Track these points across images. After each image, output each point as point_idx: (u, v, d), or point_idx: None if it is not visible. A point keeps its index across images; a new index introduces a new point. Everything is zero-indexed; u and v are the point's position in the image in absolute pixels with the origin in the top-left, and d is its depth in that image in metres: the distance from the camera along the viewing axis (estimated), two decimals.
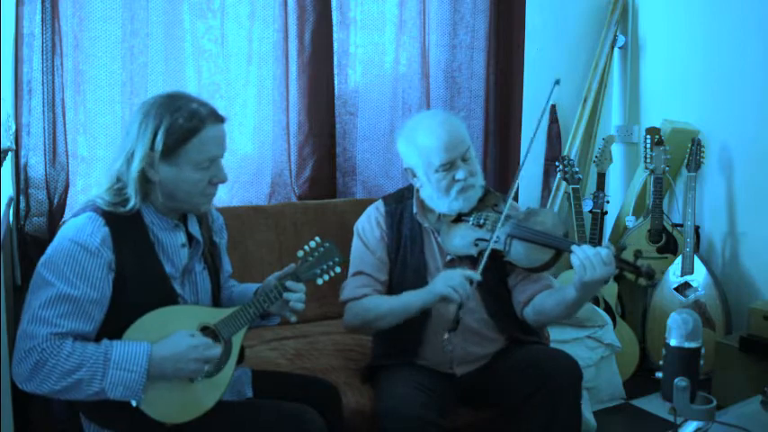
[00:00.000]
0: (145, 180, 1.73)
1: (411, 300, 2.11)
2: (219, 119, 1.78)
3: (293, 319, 1.90)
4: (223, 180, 1.81)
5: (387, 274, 2.26)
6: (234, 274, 2.14)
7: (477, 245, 2.15)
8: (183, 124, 1.70)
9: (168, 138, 1.69)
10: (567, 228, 2.20)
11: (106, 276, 1.67)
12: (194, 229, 1.88)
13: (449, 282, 2.02)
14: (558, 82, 2.25)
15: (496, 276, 2.22)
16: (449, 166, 2.14)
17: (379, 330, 2.26)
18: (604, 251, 1.94)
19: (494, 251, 2.12)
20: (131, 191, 1.71)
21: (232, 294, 2.05)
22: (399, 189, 2.42)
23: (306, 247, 1.93)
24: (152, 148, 1.69)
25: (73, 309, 1.63)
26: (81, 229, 1.67)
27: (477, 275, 2.02)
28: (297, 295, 1.86)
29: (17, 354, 1.62)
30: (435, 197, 2.19)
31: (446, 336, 2.03)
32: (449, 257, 2.23)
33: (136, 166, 1.70)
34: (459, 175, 2.14)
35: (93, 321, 1.66)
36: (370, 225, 2.29)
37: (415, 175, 2.23)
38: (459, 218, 2.21)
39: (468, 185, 2.16)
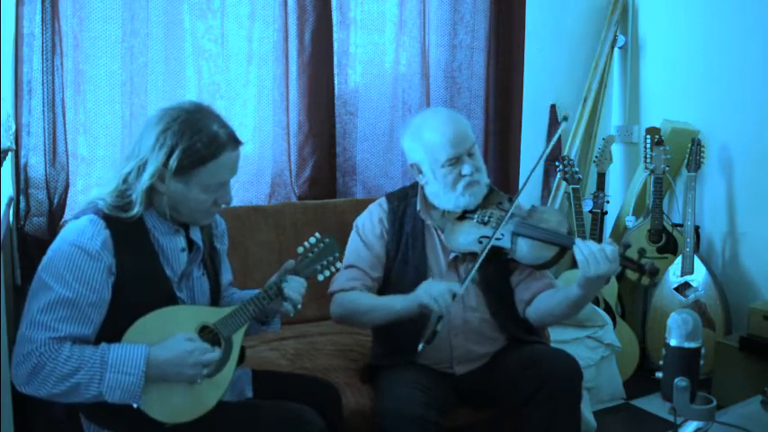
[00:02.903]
0: (152, 190, 1.72)
1: (392, 302, 2.12)
2: (237, 143, 1.77)
3: (289, 309, 1.85)
4: (228, 202, 1.81)
5: (381, 271, 2.26)
6: (234, 274, 2.14)
7: (481, 242, 2.15)
8: (200, 149, 1.69)
9: (183, 159, 1.68)
10: (570, 225, 2.19)
11: (106, 280, 1.67)
12: (195, 234, 1.88)
13: (430, 291, 2.01)
14: (566, 118, 2.26)
15: (499, 275, 2.22)
16: (455, 161, 2.15)
17: (363, 326, 2.28)
18: (609, 247, 1.94)
19: (498, 249, 2.12)
20: (137, 198, 1.70)
21: (232, 301, 2.04)
22: (403, 187, 2.43)
23: (306, 243, 1.93)
24: (165, 164, 1.68)
25: (72, 313, 1.62)
26: (82, 231, 1.67)
27: (460, 289, 2.02)
28: (293, 284, 1.85)
29: (16, 357, 1.61)
30: (441, 193, 2.19)
31: (420, 346, 2.02)
32: (452, 255, 2.23)
33: (146, 178, 1.69)
34: (466, 170, 2.15)
35: (92, 325, 1.66)
36: (371, 222, 2.30)
37: (420, 172, 2.23)
38: (464, 215, 2.21)
39: (474, 181, 2.17)
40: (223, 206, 1.82)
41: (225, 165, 1.74)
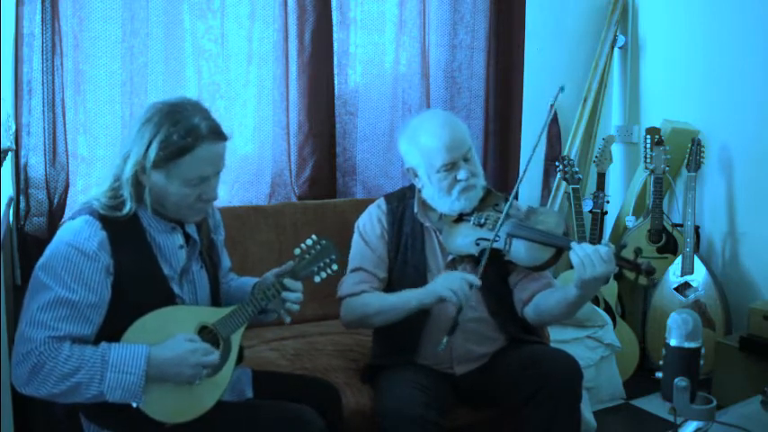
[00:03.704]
0: (138, 183, 1.72)
1: (409, 298, 2.11)
2: (220, 137, 1.74)
3: (288, 319, 1.89)
4: (212, 199, 1.79)
5: (386, 271, 2.26)
6: (233, 273, 2.14)
7: (478, 244, 2.15)
8: (176, 141, 1.67)
9: (161, 151, 1.67)
10: (567, 226, 2.19)
11: (104, 280, 1.67)
12: (191, 229, 1.88)
13: (449, 284, 2.02)
14: (562, 89, 2.25)
15: (497, 275, 2.22)
16: (450, 167, 2.14)
17: (376, 327, 2.27)
18: (604, 249, 1.94)
19: (495, 250, 2.12)
20: (126, 193, 1.70)
21: (230, 288, 2.05)
22: (401, 188, 2.42)
23: (303, 245, 1.92)
24: (145, 155, 1.68)
25: (71, 312, 1.62)
26: (78, 232, 1.67)
27: (477, 281, 2.02)
28: (294, 295, 1.86)
29: (15, 357, 1.61)
30: (437, 197, 2.19)
31: (445, 340, 2.03)
32: (450, 257, 2.23)
33: (129, 168, 1.69)
34: (461, 175, 2.14)
35: (92, 325, 1.66)
36: (371, 222, 2.30)
37: (416, 176, 2.23)
38: (461, 217, 2.21)
39: (469, 186, 2.16)
40: (212, 203, 1.82)
41: (204, 158, 1.71)
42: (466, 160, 2.17)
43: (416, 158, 2.20)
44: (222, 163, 1.78)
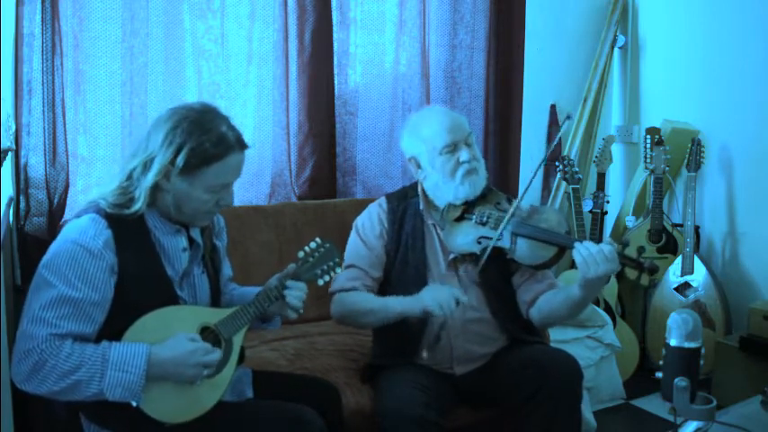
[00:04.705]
0: (156, 188, 1.73)
1: (393, 304, 2.12)
2: (244, 146, 1.78)
3: (293, 315, 1.89)
4: (229, 204, 1.82)
5: (381, 270, 2.27)
6: (233, 273, 2.14)
7: (480, 243, 2.16)
8: (208, 149, 1.70)
9: (191, 158, 1.69)
10: (569, 225, 2.20)
11: (108, 279, 1.67)
12: (196, 233, 1.88)
13: (436, 297, 2.02)
14: (569, 116, 2.26)
15: (499, 275, 2.23)
16: (452, 148, 2.17)
17: (362, 326, 2.29)
18: (607, 247, 1.94)
19: (497, 249, 2.12)
20: (140, 195, 1.70)
21: (233, 298, 2.05)
22: (402, 187, 2.43)
23: (306, 248, 1.93)
24: (172, 162, 1.69)
25: (73, 311, 1.62)
26: (84, 230, 1.67)
27: (464, 297, 2.04)
28: (295, 292, 1.86)
29: (16, 354, 1.61)
30: (441, 183, 2.20)
31: (424, 355, 2.04)
32: (452, 256, 2.23)
33: (152, 175, 1.69)
34: (464, 156, 2.16)
35: (94, 323, 1.66)
36: (370, 221, 2.30)
37: (419, 166, 2.24)
38: (462, 216, 2.21)
39: (472, 168, 2.18)
40: (224, 207, 1.83)
41: (230, 166, 1.75)
42: (467, 145, 2.20)
43: (418, 147, 2.22)
44: (241, 171, 1.81)
